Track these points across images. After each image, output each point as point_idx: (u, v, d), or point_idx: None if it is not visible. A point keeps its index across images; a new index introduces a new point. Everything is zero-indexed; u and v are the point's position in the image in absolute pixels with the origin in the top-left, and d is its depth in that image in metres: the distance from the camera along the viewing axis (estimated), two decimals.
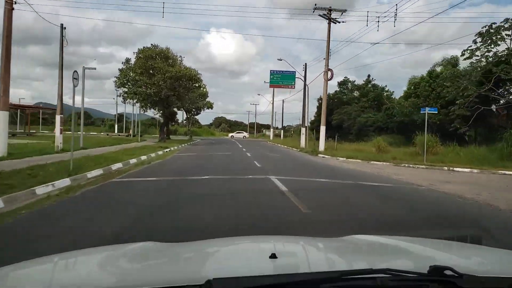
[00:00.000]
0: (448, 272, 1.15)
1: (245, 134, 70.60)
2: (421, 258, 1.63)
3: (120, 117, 62.29)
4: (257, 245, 2.07)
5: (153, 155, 18.44)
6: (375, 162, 18.00)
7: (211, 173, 11.65)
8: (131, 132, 44.14)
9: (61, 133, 17.64)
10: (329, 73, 25.63)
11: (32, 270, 1.50)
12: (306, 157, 22.21)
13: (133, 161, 14.79)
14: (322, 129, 25.78)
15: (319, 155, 22.88)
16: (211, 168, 13.79)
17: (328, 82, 26.02)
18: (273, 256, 1.39)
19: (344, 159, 19.85)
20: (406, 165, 16.95)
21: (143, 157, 16.44)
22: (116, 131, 55.34)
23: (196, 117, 50.49)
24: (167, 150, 22.66)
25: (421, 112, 19.37)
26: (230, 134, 68.86)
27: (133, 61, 31.60)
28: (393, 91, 47.10)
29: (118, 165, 12.77)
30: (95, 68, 32.91)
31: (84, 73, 20.98)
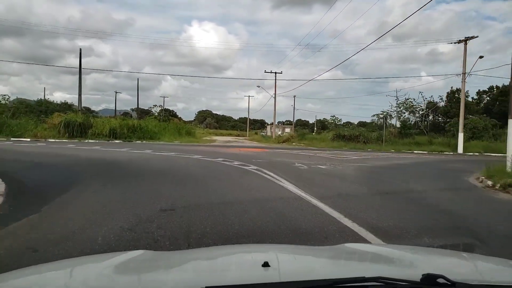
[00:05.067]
0: (440, 280, 1.17)
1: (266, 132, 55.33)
2: (413, 266, 1.64)
3: None
4: (250, 254, 2.06)
5: None
6: None
7: None
8: None
9: None
10: None
11: (18, 282, 1.44)
12: None
13: None
14: None
15: None
16: None
17: None
18: (265, 264, 1.40)
19: None
20: None
21: None
22: None
23: (173, 109, 36.31)
24: None
25: None
26: (227, 139, 54.36)
27: None
28: None
29: None
30: None
31: None
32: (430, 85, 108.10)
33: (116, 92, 72.50)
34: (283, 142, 39.45)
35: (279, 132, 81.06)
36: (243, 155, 18.40)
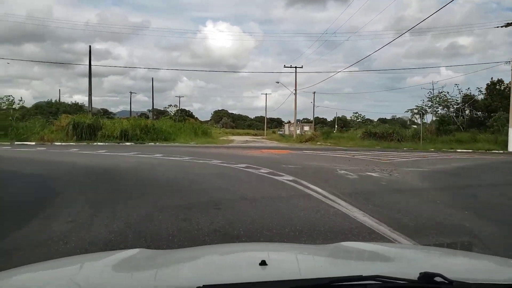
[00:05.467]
0: (438, 279, 1.16)
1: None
2: (411, 265, 1.63)
3: None
4: (248, 252, 2.05)
5: None
6: None
7: None
8: None
9: None
10: None
11: (15, 280, 1.44)
12: None
13: None
14: None
15: None
16: None
17: None
18: (263, 263, 1.40)
19: None
20: None
21: None
22: None
23: (189, 109, 33.63)
24: None
25: None
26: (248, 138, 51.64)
27: None
28: None
29: None
30: None
31: None
32: (459, 79, 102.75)
33: (131, 93, 70.86)
34: (306, 141, 36.59)
35: (298, 131, 78.38)
36: (268, 158, 15.69)
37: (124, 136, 29.78)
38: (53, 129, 29.29)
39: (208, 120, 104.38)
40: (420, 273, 1.19)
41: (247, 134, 78.98)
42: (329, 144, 31.32)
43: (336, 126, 78.97)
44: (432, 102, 35.74)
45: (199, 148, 22.92)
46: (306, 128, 73.11)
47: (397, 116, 74.41)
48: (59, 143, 26.43)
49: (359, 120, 70.98)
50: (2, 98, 33.91)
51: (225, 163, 12.77)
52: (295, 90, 43.52)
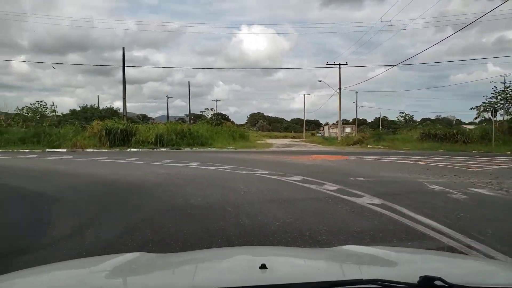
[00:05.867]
0: (438, 283, 1.15)
1: None
2: (411, 269, 1.63)
3: None
4: (248, 256, 2.02)
5: None
6: None
7: None
8: None
9: None
10: None
11: (14, 284, 1.44)
12: None
13: None
14: None
15: None
16: None
17: None
18: (263, 266, 1.39)
19: None
20: None
21: None
22: None
23: (225, 113, 31.38)
24: None
25: None
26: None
27: None
28: None
29: None
30: None
31: None
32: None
33: (168, 97, 70.40)
34: (353, 144, 33.38)
35: (339, 133, 74.51)
36: (326, 168, 12.97)
37: (159, 141, 28.00)
38: (86, 135, 27.95)
39: (244, 124, 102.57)
40: (420, 277, 1.18)
41: (285, 137, 76.12)
42: (382, 147, 28.02)
43: (380, 127, 74.56)
44: (497, 98, 31.39)
45: (238, 154, 20.51)
46: (348, 129, 69.32)
47: (442, 116, 69.08)
48: (91, 150, 24.96)
49: (403, 120, 66.04)
50: (34, 104, 33.19)
51: (275, 175, 10.21)
52: (339, 88, 40.37)
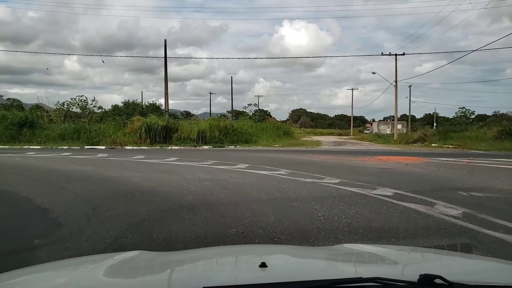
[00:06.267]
0: (438, 281, 1.16)
1: None
2: (411, 267, 1.61)
3: None
4: (248, 254, 2.01)
5: None
6: None
7: None
8: None
9: None
10: None
11: (15, 282, 1.44)
12: None
13: None
14: None
15: None
16: None
17: None
18: (263, 265, 1.39)
19: None
20: None
21: None
22: None
23: (267, 109, 28.97)
24: None
25: None
26: None
27: None
28: None
29: None
30: None
31: None
32: None
33: (211, 93, 68.80)
34: (414, 142, 29.85)
35: (388, 130, 69.76)
36: (409, 174, 10.22)
37: (202, 138, 26.17)
38: (126, 131, 26.62)
39: (286, 120, 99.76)
40: (420, 275, 1.17)
41: (331, 134, 72.54)
42: (450, 146, 24.45)
43: (435, 124, 69.08)
44: None
45: (290, 154, 18.05)
46: (399, 126, 64.95)
47: (500, 112, 62.66)
48: (130, 147, 23.53)
49: (462, 117, 60.31)
50: (75, 99, 32.47)
51: (351, 185, 7.69)
52: (395, 81, 36.73)
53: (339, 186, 7.81)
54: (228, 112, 75.34)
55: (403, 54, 36.95)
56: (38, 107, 34.10)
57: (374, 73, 38.23)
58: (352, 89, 71.69)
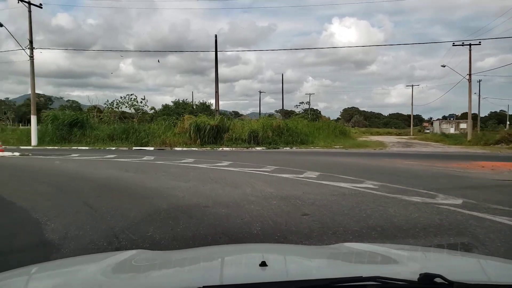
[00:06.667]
0: (438, 280, 1.15)
1: None
2: (411, 266, 1.60)
3: None
4: (248, 253, 1.98)
5: None
6: None
7: None
8: None
9: None
10: None
11: (15, 281, 1.42)
12: None
13: None
14: None
15: None
16: None
17: None
18: (263, 264, 1.37)
19: None
20: None
21: None
22: None
23: (315, 106, 25.97)
24: None
25: None
26: None
27: None
28: None
29: None
30: None
31: None
32: None
33: (260, 92, 67.18)
34: (495, 143, 25.87)
35: (452, 129, 63.89)
36: None
37: (253, 139, 24.15)
38: (176, 131, 25.24)
39: (338, 119, 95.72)
40: (420, 274, 1.16)
41: (388, 133, 67.78)
42: None
43: (508, 122, 62.32)
44: None
45: (358, 158, 15.44)
46: (463, 125, 59.27)
47: None
48: (180, 149, 22.03)
49: None
50: (124, 98, 31.74)
51: (486, 211, 5.13)
52: (469, 74, 32.50)
53: (468, 211, 5.28)
54: (277, 111, 73.20)
55: (479, 43, 32.61)
56: (95, 108, 33.94)
57: (444, 66, 34.05)
58: (412, 86, 66.39)
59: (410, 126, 70.41)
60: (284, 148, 22.89)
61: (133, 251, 1.85)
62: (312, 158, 14.70)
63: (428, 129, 75.47)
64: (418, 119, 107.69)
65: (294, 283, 1.19)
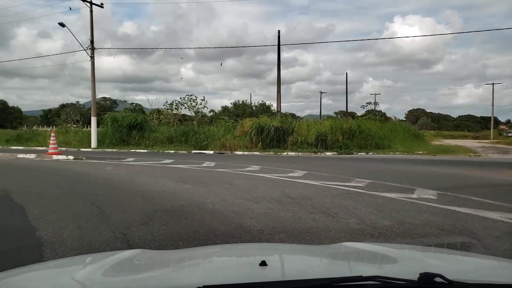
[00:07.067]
0: (438, 279, 1.14)
1: None
2: (411, 265, 1.59)
3: None
4: (247, 253, 1.97)
5: None
6: None
7: None
8: None
9: None
10: None
11: (13, 280, 1.40)
12: None
13: None
14: None
15: None
16: None
17: None
18: (263, 263, 1.36)
19: None
20: None
21: None
22: None
23: (376, 108, 23.20)
24: None
25: None
26: None
27: None
28: None
29: None
30: None
31: None
32: None
33: (321, 93, 64.16)
34: None
35: None
36: None
37: (321, 142, 21.68)
38: (236, 134, 23.50)
39: (403, 121, 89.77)
40: (420, 274, 1.15)
41: (464, 136, 61.42)
42: None
43: None
44: None
45: (463, 168, 12.43)
46: None
47: None
48: (240, 153, 20.21)
49: None
50: (184, 98, 30.70)
51: None
52: None
53: None
54: (336, 113, 69.57)
55: None
56: (156, 110, 33.44)
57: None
58: (493, 84, 59.72)
59: (483, 129, 63.49)
60: (359, 153, 20.18)
61: (134, 251, 1.82)
62: (404, 168, 11.98)
63: (510, 132, 67.99)
64: (494, 121, 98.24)
65: (294, 282, 1.19)
